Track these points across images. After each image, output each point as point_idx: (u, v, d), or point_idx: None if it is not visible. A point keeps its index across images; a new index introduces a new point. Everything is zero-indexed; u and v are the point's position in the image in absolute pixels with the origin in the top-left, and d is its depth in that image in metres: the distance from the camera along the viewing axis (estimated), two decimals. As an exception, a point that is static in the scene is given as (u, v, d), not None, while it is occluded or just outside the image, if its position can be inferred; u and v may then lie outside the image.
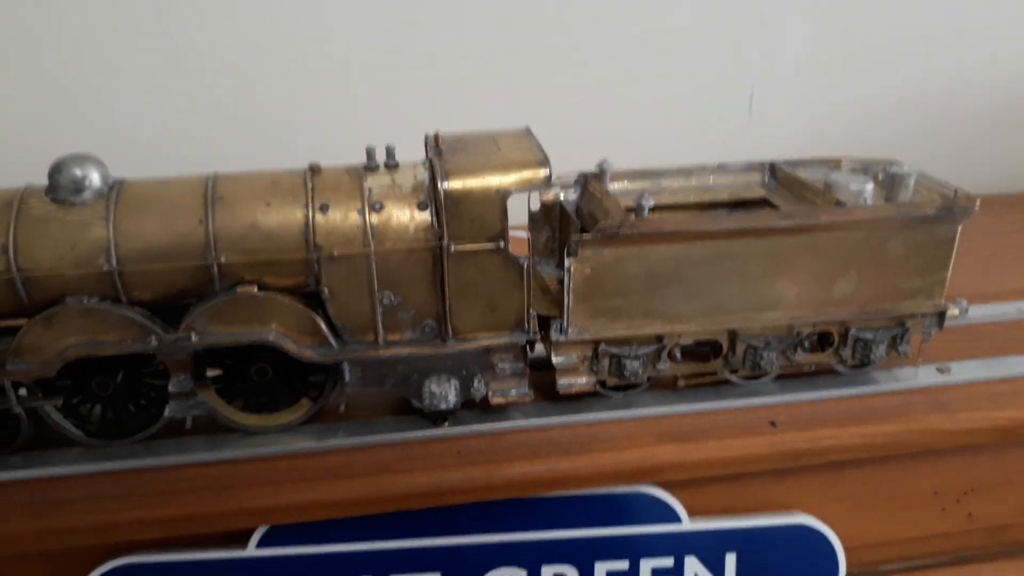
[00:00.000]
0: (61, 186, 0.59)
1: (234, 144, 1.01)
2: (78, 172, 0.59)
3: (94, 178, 0.60)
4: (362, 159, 0.65)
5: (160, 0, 0.99)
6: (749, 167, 0.77)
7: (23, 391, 0.63)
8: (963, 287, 0.74)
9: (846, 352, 0.71)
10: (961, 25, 1.19)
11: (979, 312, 0.82)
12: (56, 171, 0.59)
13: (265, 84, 1.05)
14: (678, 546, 0.70)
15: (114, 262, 0.59)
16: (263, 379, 0.65)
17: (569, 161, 0.74)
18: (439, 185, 0.60)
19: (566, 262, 0.64)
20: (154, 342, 0.60)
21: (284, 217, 0.60)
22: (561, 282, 0.66)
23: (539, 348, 0.69)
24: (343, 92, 1.06)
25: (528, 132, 0.67)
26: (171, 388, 0.63)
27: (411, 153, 0.67)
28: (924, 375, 0.74)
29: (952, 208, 0.66)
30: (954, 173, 0.73)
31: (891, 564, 0.80)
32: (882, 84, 1.20)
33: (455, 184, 0.60)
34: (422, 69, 1.07)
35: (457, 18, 1.06)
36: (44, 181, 0.60)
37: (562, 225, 0.73)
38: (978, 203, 0.66)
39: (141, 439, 0.66)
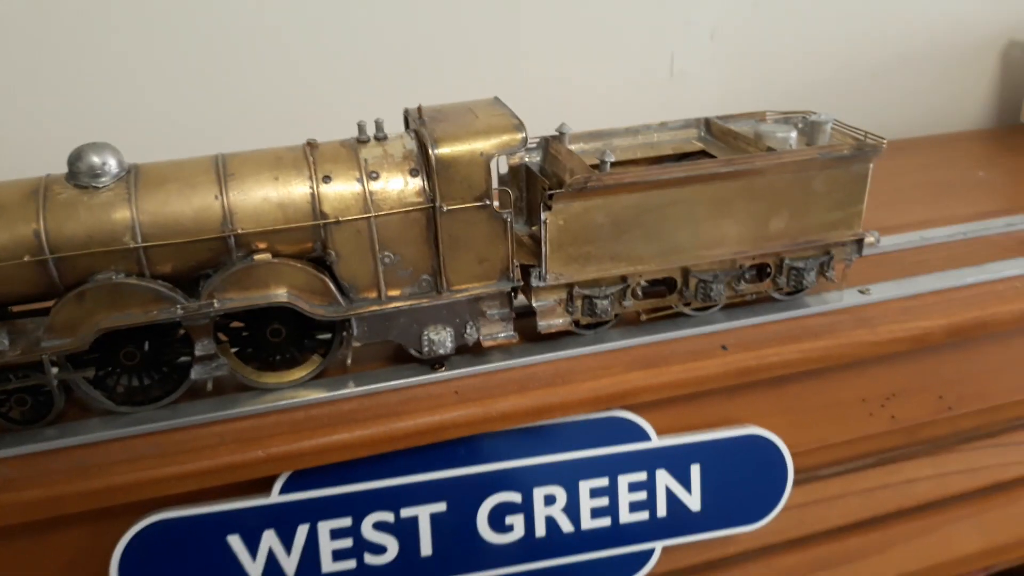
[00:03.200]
0: (82, 172, 0.64)
1: (225, 129, 1.06)
2: (96, 159, 0.64)
3: (111, 163, 0.64)
4: (333, 136, 0.70)
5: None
6: (687, 123, 0.86)
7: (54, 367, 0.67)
8: (874, 221, 0.85)
9: (782, 280, 0.81)
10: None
11: (889, 241, 0.95)
12: (76, 159, 0.64)
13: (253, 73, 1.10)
14: (649, 461, 0.79)
15: (139, 239, 0.64)
16: (277, 339, 0.71)
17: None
18: (430, 151, 0.67)
19: (542, 215, 0.71)
20: (179, 311, 0.66)
21: (292, 189, 0.66)
22: (533, 236, 0.74)
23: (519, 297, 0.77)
24: (321, 76, 1.13)
25: (498, 101, 0.74)
26: (196, 353, 0.68)
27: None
28: (848, 297, 0.85)
29: (864, 148, 0.77)
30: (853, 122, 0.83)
31: (828, 468, 0.92)
32: (789, 43, 1.32)
33: (444, 150, 0.67)
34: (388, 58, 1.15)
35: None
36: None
37: (529, 185, 0.81)
38: (885, 143, 0.77)
39: (166, 404, 0.71)
